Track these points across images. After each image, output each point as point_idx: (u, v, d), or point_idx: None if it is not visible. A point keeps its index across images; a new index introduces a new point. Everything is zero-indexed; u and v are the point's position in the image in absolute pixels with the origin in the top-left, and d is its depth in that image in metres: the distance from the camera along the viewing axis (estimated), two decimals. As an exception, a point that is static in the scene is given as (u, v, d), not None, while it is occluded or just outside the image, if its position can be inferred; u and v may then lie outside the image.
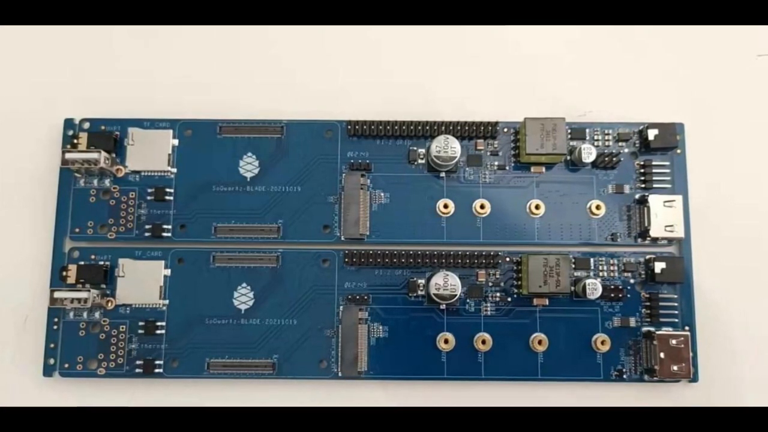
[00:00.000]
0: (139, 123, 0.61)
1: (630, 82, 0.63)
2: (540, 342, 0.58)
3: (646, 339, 0.58)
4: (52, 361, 0.58)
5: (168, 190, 0.60)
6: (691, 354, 0.57)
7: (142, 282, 0.59)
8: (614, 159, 0.60)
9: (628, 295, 0.59)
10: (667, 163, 0.60)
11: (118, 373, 0.58)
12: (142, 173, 0.60)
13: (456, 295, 0.57)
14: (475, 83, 0.63)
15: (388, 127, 0.60)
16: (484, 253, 0.59)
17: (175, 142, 0.61)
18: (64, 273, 0.59)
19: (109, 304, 0.59)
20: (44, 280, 0.60)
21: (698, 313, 0.59)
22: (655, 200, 0.59)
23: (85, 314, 0.59)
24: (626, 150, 0.61)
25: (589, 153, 0.59)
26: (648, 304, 0.59)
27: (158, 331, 0.59)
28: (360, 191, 0.59)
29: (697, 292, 0.59)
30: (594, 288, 0.57)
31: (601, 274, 0.59)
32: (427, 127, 0.60)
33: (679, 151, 0.61)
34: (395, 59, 0.64)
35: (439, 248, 0.59)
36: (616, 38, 0.64)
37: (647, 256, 0.59)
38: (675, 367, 0.56)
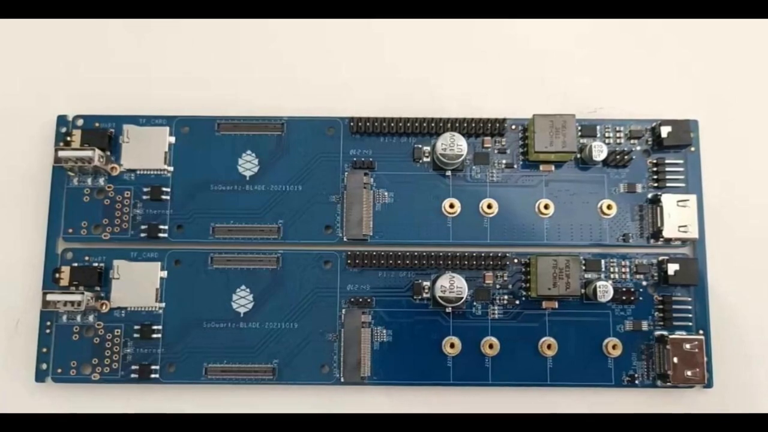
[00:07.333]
0: (135, 120, 0.60)
1: (642, 77, 0.63)
2: (549, 346, 0.58)
3: (659, 343, 0.57)
4: (44, 366, 0.57)
5: (164, 189, 0.59)
6: (705, 359, 0.56)
7: (137, 284, 0.58)
8: (626, 157, 0.59)
9: (641, 298, 0.58)
10: (681, 162, 0.60)
11: (112, 378, 0.57)
12: (138, 172, 0.59)
13: (462, 297, 0.56)
14: (482, 79, 0.62)
15: (392, 124, 0.59)
16: (491, 255, 0.58)
17: (172, 139, 0.60)
18: (57, 275, 0.58)
19: (104, 307, 0.58)
20: (36, 283, 0.59)
21: (713, 317, 0.58)
22: (668, 200, 0.58)
23: (78, 318, 0.58)
24: (638, 148, 0.60)
25: (600, 151, 0.58)
26: (661, 307, 0.58)
27: (154, 335, 0.58)
28: (363, 190, 0.58)
29: (712, 295, 0.59)
30: (605, 290, 0.56)
31: (612, 276, 0.59)
32: (433, 124, 0.59)
33: (693, 148, 0.60)
34: (399, 54, 0.63)
35: (444, 249, 0.59)
36: (628, 32, 0.63)
37: (660, 258, 0.59)
38: (689, 373, 0.56)
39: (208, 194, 0.59)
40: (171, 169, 0.59)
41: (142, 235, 0.58)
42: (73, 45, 0.63)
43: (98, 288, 0.58)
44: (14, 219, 0.60)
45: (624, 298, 0.58)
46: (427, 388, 0.58)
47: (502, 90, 0.62)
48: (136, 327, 0.58)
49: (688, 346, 0.56)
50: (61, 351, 0.57)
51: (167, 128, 0.60)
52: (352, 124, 0.59)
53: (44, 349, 0.57)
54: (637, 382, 0.57)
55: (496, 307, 0.58)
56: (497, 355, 0.57)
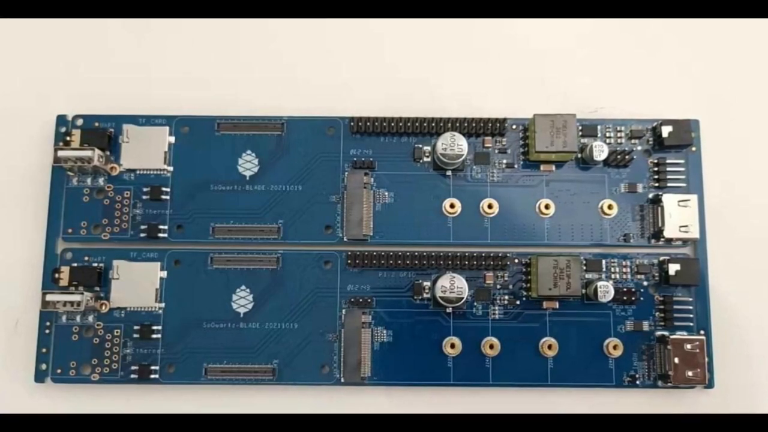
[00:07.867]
0: (135, 120, 0.60)
1: (643, 77, 0.62)
2: (550, 347, 0.57)
3: (660, 343, 0.57)
4: (44, 366, 0.57)
5: (164, 189, 0.59)
6: (706, 359, 0.56)
7: (137, 284, 0.58)
8: (627, 157, 0.58)
9: (641, 298, 0.58)
10: (682, 161, 0.59)
11: (112, 378, 0.57)
12: (138, 172, 0.59)
13: (463, 297, 0.56)
14: (483, 78, 0.62)
15: (393, 124, 0.59)
16: (491, 255, 0.58)
17: (172, 139, 0.60)
18: (57, 275, 0.57)
19: (103, 308, 0.57)
20: (36, 283, 0.58)
21: (714, 317, 0.58)
22: (669, 200, 0.58)
23: (78, 318, 0.58)
24: (639, 147, 0.59)
25: (600, 151, 0.58)
26: (662, 307, 0.58)
27: (154, 336, 0.57)
28: (363, 190, 0.58)
29: (713, 295, 0.58)
30: (606, 291, 0.56)
31: (613, 276, 0.58)
32: (433, 124, 0.59)
33: (694, 148, 0.59)
34: (400, 53, 0.63)
35: (445, 249, 0.58)
36: (628, 32, 0.63)
37: (661, 258, 0.58)
38: (690, 373, 0.55)
39: (208, 194, 0.59)
40: (171, 169, 0.59)
41: (142, 235, 0.58)
42: (73, 45, 0.63)
43: (98, 288, 0.58)
44: (14, 219, 0.60)
45: (625, 298, 0.57)
46: (428, 388, 0.58)
47: (502, 90, 0.62)
48: (135, 327, 0.57)
49: (689, 346, 0.56)
50: (60, 351, 0.57)
51: (167, 128, 0.59)
52: (352, 123, 0.59)
53: (44, 350, 0.57)
54: (638, 382, 0.57)
55: (496, 308, 0.58)
56: (498, 356, 0.57)
